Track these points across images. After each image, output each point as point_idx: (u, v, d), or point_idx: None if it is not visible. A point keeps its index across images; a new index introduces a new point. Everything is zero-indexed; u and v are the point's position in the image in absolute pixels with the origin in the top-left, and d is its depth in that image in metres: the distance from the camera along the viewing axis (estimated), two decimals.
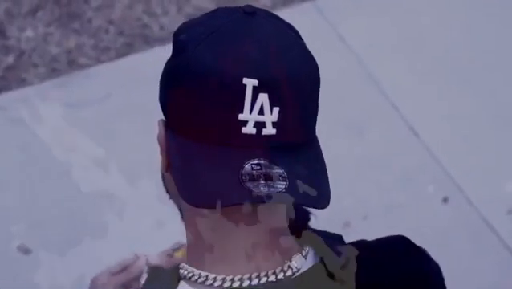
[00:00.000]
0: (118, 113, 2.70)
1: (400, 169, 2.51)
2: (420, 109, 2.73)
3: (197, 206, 0.73)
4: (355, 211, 2.28)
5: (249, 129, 0.73)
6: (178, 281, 0.80)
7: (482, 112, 2.74)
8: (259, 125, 0.73)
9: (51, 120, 2.67)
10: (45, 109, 2.70)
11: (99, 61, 2.90)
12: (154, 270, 0.85)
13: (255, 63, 0.73)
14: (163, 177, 0.88)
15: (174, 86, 0.76)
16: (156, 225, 2.34)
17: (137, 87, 2.78)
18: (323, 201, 0.75)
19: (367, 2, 3.08)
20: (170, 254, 1.31)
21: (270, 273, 0.77)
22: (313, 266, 0.79)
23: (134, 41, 2.99)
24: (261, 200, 0.71)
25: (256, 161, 0.72)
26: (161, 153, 0.81)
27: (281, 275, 0.77)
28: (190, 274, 0.78)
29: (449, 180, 2.53)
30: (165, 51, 2.99)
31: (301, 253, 0.80)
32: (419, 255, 0.88)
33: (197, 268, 0.78)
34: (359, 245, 0.87)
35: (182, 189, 0.74)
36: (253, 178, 0.71)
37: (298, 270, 0.78)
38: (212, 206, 0.72)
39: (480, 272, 2.27)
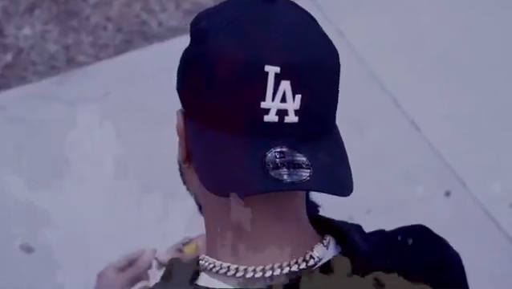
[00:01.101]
0: (117, 110, 2.69)
1: (402, 165, 2.51)
2: (421, 106, 2.73)
3: (220, 195, 0.72)
4: (358, 206, 2.27)
5: (271, 117, 0.72)
6: (198, 273, 0.79)
7: (483, 110, 2.74)
8: (281, 113, 0.72)
9: (51, 117, 2.66)
10: (45, 107, 2.68)
11: (97, 58, 2.89)
12: (173, 263, 0.84)
13: (277, 50, 0.72)
14: (180, 169, 0.87)
15: (194, 75, 0.75)
16: (157, 222, 2.33)
17: (136, 84, 2.77)
18: (346, 188, 0.75)
19: (368, 1, 3.08)
20: (180, 249, 1.31)
21: (292, 263, 0.76)
22: (335, 256, 0.78)
23: (132, 38, 2.98)
24: (285, 188, 0.70)
25: (279, 149, 0.72)
26: (180, 144, 0.80)
27: (303, 265, 0.76)
28: (211, 266, 0.77)
29: (451, 174, 2.52)
30: (164, 48, 3.01)
31: (322, 242, 0.79)
32: (439, 244, 0.87)
33: (218, 259, 0.77)
34: (379, 234, 0.86)
35: (204, 179, 0.73)
36: (277, 166, 0.71)
37: (320, 259, 0.77)
38: (235, 195, 0.71)
39: (483, 265, 2.27)
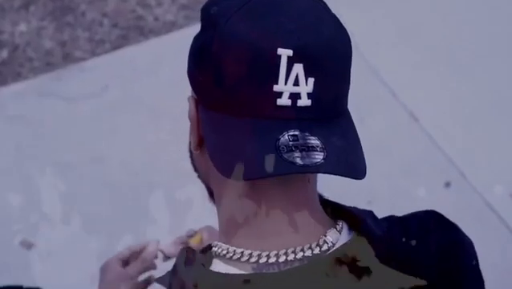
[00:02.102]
0: (116, 105, 2.68)
1: (402, 156, 2.51)
2: (420, 98, 2.73)
3: (233, 179, 0.72)
4: (359, 196, 2.27)
5: (284, 101, 0.71)
6: (211, 259, 0.79)
7: (482, 100, 2.74)
8: (294, 96, 0.72)
9: (49, 114, 2.64)
10: (42, 103, 2.67)
11: (94, 54, 2.88)
12: (184, 251, 0.83)
13: (289, 32, 0.72)
14: (191, 156, 0.86)
15: (206, 60, 0.75)
16: (159, 217, 2.32)
17: (133, 78, 2.77)
18: (360, 171, 0.74)
19: None
20: (185, 242, 1.30)
21: (305, 248, 0.76)
22: (349, 241, 0.78)
23: (129, 33, 2.97)
24: (299, 170, 0.70)
25: (292, 133, 0.71)
26: (192, 130, 0.79)
27: (317, 250, 0.76)
28: (224, 252, 0.77)
29: (451, 165, 2.53)
30: (161, 42, 2.99)
31: (335, 227, 0.79)
32: (451, 229, 0.87)
33: (232, 245, 0.77)
34: (391, 219, 0.86)
35: (218, 163, 0.72)
36: (290, 149, 0.70)
37: (334, 244, 0.77)
38: (250, 178, 0.71)
39: (483, 255, 2.24)
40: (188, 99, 0.79)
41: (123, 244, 1.35)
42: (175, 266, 0.82)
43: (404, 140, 2.58)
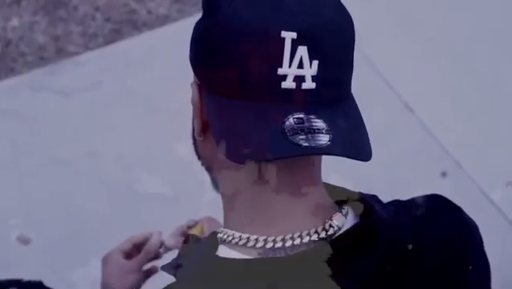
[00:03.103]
0: (110, 99, 2.67)
1: (398, 147, 2.51)
2: (414, 87, 2.73)
3: (239, 163, 0.71)
4: (357, 186, 2.27)
5: (288, 84, 0.71)
6: (217, 246, 0.78)
7: (476, 90, 2.74)
8: (299, 79, 0.71)
9: (43, 108, 2.63)
10: (36, 98, 2.66)
11: (87, 48, 2.86)
12: (189, 239, 0.83)
13: (293, 15, 0.71)
14: (194, 143, 0.86)
15: (209, 46, 0.74)
16: (154, 210, 2.31)
17: (128, 72, 2.75)
18: (365, 153, 0.74)
19: None
20: (185, 232, 1.29)
21: (312, 232, 0.75)
22: (355, 225, 0.78)
23: (122, 27, 2.95)
24: (305, 153, 0.70)
25: (297, 116, 0.71)
26: (195, 116, 0.79)
27: (323, 234, 0.75)
28: (230, 238, 0.76)
29: (447, 155, 2.53)
30: (154, 36, 2.97)
31: (340, 212, 0.79)
32: (456, 212, 0.87)
33: (237, 231, 0.76)
34: (396, 203, 0.86)
35: (224, 148, 0.72)
36: (296, 132, 0.70)
37: (340, 228, 0.77)
38: (256, 162, 0.70)
39: None
40: (191, 84, 0.79)
41: (121, 239, 1.35)
42: (180, 253, 0.82)
43: (399, 131, 2.58)
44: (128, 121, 2.60)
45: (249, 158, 0.70)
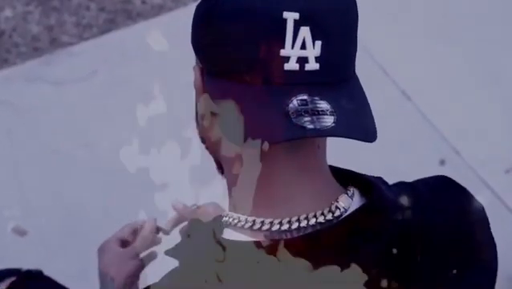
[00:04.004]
0: (105, 90, 2.65)
1: (396, 135, 2.50)
2: (412, 74, 2.72)
3: (245, 146, 0.70)
4: None
5: (291, 65, 0.70)
6: (222, 229, 0.77)
7: (474, 74, 2.73)
8: (302, 61, 0.70)
9: (37, 99, 2.61)
10: (30, 89, 2.64)
11: (81, 38, 2.84)
12: (193, 223, 0.82)
13: None
14: (198, 126, 0.85)
15: (210, 28, 0.73)
16: (150, 200, 2.30)
17: (122, 62, 2.74)
18: (370, 134, 0.73)
19: None
20: (187, 216, 1.26)
21: (318, 214, 0.74)
22: (362, 206, 0.77)
23: (116, 17, 2.93)
24: (311, 134, 0.69)
25: (301, 97, 0.70)
26: (198, 99, 0.78)
27: (329, 216, 0.75)
28: (236, 221, 0.75)
29: (445, 143, 2.52)
30: (149, 26, 2.95)
31: (346, 193, 0.78)
32: (463, 193, 0.86)
33: (243, 214, 0.75)
34: (401, 185, 0.85)
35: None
36: (300, 114, 0.69)
37: (346, 210, 0.76)
38: (262, 145, 0.69)
39: None
40: (193, 68, 0.78)
41: (117, 229, 1.33)
42: (184, 237, 0.81)
43: (397, 119, 2.57)
44: (123, 111, 2.58)
45: (254, 142, 0.69)
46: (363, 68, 2.75)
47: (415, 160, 2.45)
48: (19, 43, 2.82)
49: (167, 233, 1.28)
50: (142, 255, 1.25)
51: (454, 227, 0.81)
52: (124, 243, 1.27)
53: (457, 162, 2.46)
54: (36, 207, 2.32)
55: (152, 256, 1.28)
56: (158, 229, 1.29)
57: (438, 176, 0.88)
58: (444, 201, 0.83)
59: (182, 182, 2.37)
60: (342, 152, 2.26)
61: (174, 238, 1.02)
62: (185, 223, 1.18)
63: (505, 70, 2.74)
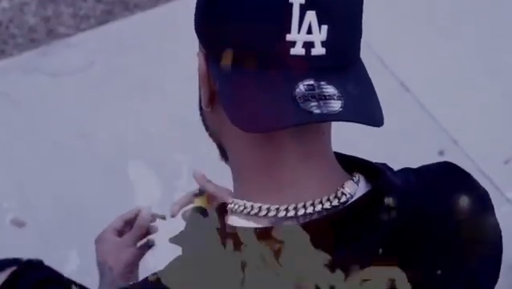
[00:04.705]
0: (102, 81, 2.64)
1: (394, 126, 2.49)
2: (410, 65, 2.72)
3: (252, 132, 0.70)
4: None
5: (298, 50, 0.69)
6: (226, 216, 0.77)
7: (473, 65, 2.73)
8: (308, 45, 0.70)
9: (34, 90, 2.60)
10: (27, 80, 2.62)
11: (79, 29, 2.82)
12: (196, 211, 0.82)
13: None
14: (202, 114, 0.84)
15: (215, 12, 0.72)
16: (148, 188, 2.30)
17: (120, 53, 2.72)
18: (378, 119, 0.73)
19: None
20: (190, 200, 1.25)
21: (324, 200, 0.74)
22: (368, 192, 0.76)
23: (113, 8, 2.91)
24: (319, 119, 0.69)
25: (307, 82, 0.70)
26: (202, 86, 0.77)
27: (335, 202, 0.74)
28: (241, 208, 0.75)
29: (443, 134, 2.52)
30: (146, 17, 2.92)
31: (352, 179, 0.77)
32: (466, 179, 0.86)
33: (248, 201, 0.75)
34: (406, 171, 0.85)
35: (234, 117, 0.70)
36: (307, 99, 0.69)
37: (352, 196, 0.75)
38: (269, 130, 0.69)
39: None
40: (197, 54, 0.77)
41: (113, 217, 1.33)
42: (188, 224, 0.80)
43: (395, 111, 2.56)
44: (121, 101, 2.57)
45: (261, 126, 0.69)
46: (362, 59, 2.73)
47: (414, 151, 2.45)
48: (16, 34, 2.80)
49: (163, 218, 1.27)
50: (139, 244, 1.25)
51: (459, 212, 0.81)
52: (121, 233, 1.27)
53: (455, 153, 2.46)
54: (34, 199, 2.31)
55: (150, 244, 1.28)
56: (154, 217, 1.29)
57: (442, 162, 0.88)
58: (448, 187, 0.83)
59: (180, 172, 2.36)
60: (340, 143, 2.26)
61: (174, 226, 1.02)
62: (191, 206, 1.17)
63: (505, 61, 2.74)
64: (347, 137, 2.37)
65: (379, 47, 2.74)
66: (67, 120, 2.51)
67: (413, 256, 0.76)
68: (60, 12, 2.88)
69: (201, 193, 1.13)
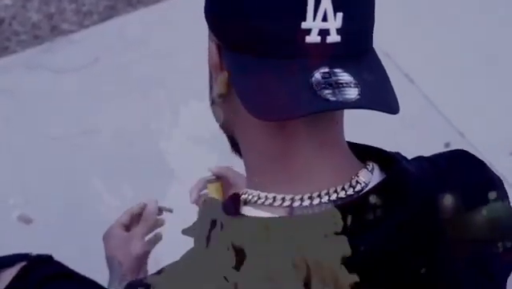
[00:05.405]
0: (106, 77, 2.63)
1: (400, 118, 2.48)
2: (415, 57, 2.71)
3: (269, 120, 0.69)
4: None
5: (313, 38, 0.69)
6: (241, 207, 0.76)
7: (478, 56, 2.72)
8: (323, 33, 0.69)
9: (38, 87, 2.59)
10: (31, 76, 2.62)
11: (82, 26, 2.82)
12: (209, 202, 0.81)
13: None
14: (213, 104, 0.83)
15: (228, 1, 0.71)
16: (154, 185, 2.29)
17: (123, 49, 2.72)
18: (394, 105, 0.73)
19: None
20: (204, 187, 1.23)
21: (338, 189, 0.73)
22: (383, 180, 0.76)
23: (116, 4, 2.91)
24: (337, 107, 0.68)
25: (323, 70, 0.69)
26: (214, 77, 0.77)
27: (350, 191, 0.74)
28: (255, 198, 0.74)
29: (449, 126, 2.51)
30: (149, 12, 2.91)
31: (366, 168, 0.77)
32: (481, 166, 0.85)
33: (262, 191, 0.74)
34: (420, 159, 0.85)
35: (251, 106, 0.70)
36: (324, 87, 0.68)
37: (367, 184, 0.75)
38: (286, 118, 0.69)
39: None
40: (209, 44, 0.76)
41: (120, 215, 1.32)
42: (201, 216, 0.80)
43: (401, 103, 2.55)
44: (124, 97, 2.57)
45: (278, 115, 0.68)
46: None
47: (420, 144, 2.43)
48: (19, 31, 2.79)
49: (170, 211, 1.27)
50: (147, 238, 1.24)
51: (474, 199, 0.80)
52: (128, 227, 1.26)
53: (462, 145, 2.44)
54: (39, 195, 2.31)
55: (158, 238, 1.28)
56: (161, 210, 1.29)
57: (456, 150, 0.88)
58: (463, 174, 0.82)
59: (185, 168, 2.35)
60: (347, 134, 2.26)
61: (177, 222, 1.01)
62: (205, 191, 1.16)
63: (509, 52, 2.73)
64: (350, 129, 2.36)
65: (384, 39, 2.72)
66: (70, 117, 2.51)
67: (429, 244, 0.76)
68: (63, 8, 2.87)
69: (215, 179, 1.12)
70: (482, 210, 0.80)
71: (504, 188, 0.86)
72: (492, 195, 0.82)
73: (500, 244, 0.82)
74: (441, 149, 2.45)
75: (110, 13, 2.87)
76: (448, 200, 0.78)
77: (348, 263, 0.69)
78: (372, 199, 0.73)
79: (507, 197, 0.85)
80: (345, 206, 0.72)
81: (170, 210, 1.27)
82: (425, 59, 2.71)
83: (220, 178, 1.18)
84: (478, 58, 2.71)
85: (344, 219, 0.71)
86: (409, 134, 2.47)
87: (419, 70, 2.67)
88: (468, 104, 2.57)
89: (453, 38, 2.78)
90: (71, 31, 2.80)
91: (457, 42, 2.76)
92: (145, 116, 2.53)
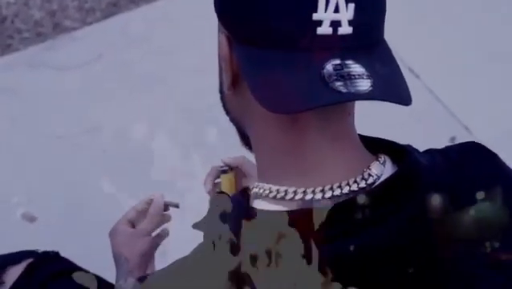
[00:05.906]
0: (108, 74, 2.63)
1: (405, 113, 2.47)
2: (419, 52, 2.70)
3: (281, 113, 0.68)
4: None
5: (324, 29, 0.68)
6: (252, 201, 0.75)
7: (482, 50, 2.71)
8: (335, 24, 0.68)
9: (41, 84, 2.58)
10: (34, 74, 2.61)
11: (85, 23, 2.81)
12: (218, 197, 0.80)
13: None
14: (223, 98, 0.82)
15: None
16: (158, 182, 2.28)
17: (126, 46, 2.71)
18: (406, 97, 0.71)
19: None
20: (217, 176, 1.21)
21: (351, 182, 0.72)
22: (395, 173, 0.74)
23: (119, 0, 2.90)
24: (350, 98, 0.67)
25: (335, 62, 0.68)
26: (225, 69, 0.75)
27: (362, 184, 0.73)
28: (267, 192, 0.73)
29: (454, 120, 2.50)
30: (152, 9, 2.90)
31: (378, 160, 0.76)
32: (493, 158, 0.84)
33: (274, 185, 0.73)
34: (431, 152, 0.83)
35: (262, 98, 0.68)
36: (337, 79, 0.67)
37: (379, 177, 0.74)
38: (299, 110, 0.67)
39: None
40: (218, 36, 0.75)
41: (124, 212, 1.31)
42: (211, 210, 0.79)
43: None
44: (127, 95, 2.56)
45: (290, 107, 0.67)
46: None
47: (426, 138, 2.41)
48: (22, 29, 2.79)
49: (177, 206, 1.26)
50: (154, 233, 1.23)
51: (483, 189, 0.79)
52: (134, 224, 1.25)
53: (467, 139, 2.42)
54: (42, 194, 2.30)
55: (164, 234, 1.27)
56: (167, 205, 1.27)
57: (468, 142, 0.87)
58: (475, 166, 0.81)
59: (189, 165, 2.34)
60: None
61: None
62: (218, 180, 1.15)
63: None
64: (355, 124, 2.35)
65: (388, 33, 2.71)
66: (73, 114, 2.50)
67: (442, 236, 0.74)
68: (66, 5, 2.86)
69: (228, 170, 1.11)
70: (495, 203, 0.79)
71: None
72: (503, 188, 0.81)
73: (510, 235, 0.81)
74: (447, 143, 2.44)
75: (112, 10, 2.86)
76: (459, 193, 0.77)
77: (359, 256, 0.68)
78: (384, 192, 0.72)
79: None
80: (358, 199, 0.71)
81: (177, 206, 1.26)
82: (431, 55, 2.70)
83: (233, 169, 1.17)
84: (482, 54, 2.70)
85: (357, 212, 0.69)
86: (415, 128, 2.46)
87: (425, 66, 2.66)
88: (472, 99, 2.56)
89: (457, 36, 2.77)
90: (74, 28, 2.79)
91: (462, 39, 2.75)
92: (148, 112, 2.52)
